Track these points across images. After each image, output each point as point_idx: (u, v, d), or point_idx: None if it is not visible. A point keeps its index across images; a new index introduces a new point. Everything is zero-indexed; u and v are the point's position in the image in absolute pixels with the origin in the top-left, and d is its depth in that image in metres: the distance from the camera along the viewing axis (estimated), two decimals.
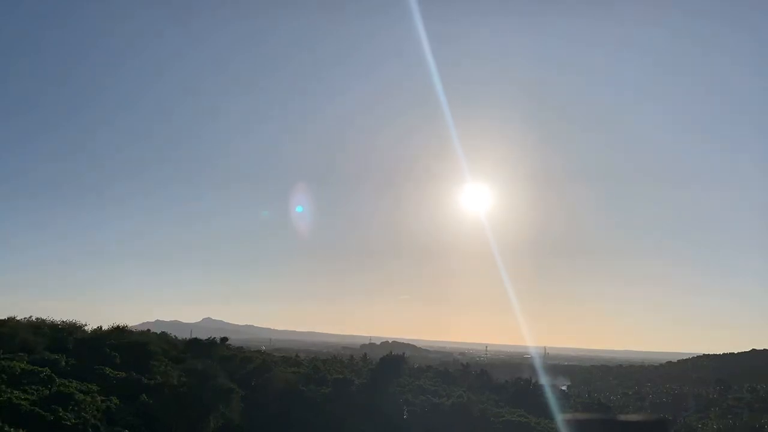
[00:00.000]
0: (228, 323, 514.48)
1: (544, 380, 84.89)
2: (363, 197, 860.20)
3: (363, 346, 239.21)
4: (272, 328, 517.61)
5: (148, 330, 77.00)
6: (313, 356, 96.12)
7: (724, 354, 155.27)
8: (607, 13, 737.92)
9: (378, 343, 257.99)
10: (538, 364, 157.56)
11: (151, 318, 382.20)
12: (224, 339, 69.53)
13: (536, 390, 71.28)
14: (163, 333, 71.51)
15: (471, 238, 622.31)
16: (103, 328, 57.93)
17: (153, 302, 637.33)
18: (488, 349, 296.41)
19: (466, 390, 67.68)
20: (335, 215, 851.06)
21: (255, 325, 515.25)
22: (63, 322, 55.52)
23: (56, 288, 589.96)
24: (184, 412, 42.24)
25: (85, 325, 57.02)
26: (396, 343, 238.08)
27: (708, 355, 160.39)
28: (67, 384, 39.37)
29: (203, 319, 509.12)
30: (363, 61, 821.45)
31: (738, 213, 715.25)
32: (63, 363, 44.40)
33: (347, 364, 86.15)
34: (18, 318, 54.12)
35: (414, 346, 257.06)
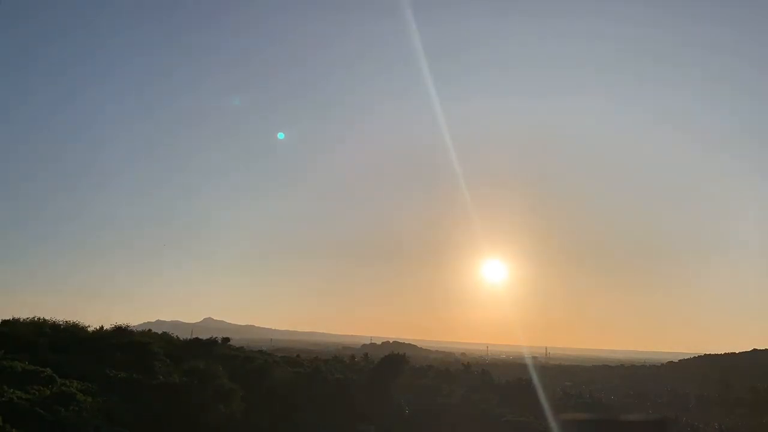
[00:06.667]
0: (229, 323, 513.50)
1: (545, 380, 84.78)
2: (364, 197, 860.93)
3: (364, 345, 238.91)
4: (273, 328, 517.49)
5: (150, 330, 77.02)
6: (314, 356, 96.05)
7: (725, 354, 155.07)
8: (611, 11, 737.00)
9: (379, 343, 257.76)
10: (539, 363, 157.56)
11: (152, 318, 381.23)
12: (226, 339, 69.63)
13: (537, 390, 71.18)
14: (164, 333, 71.49)
15: (472, 237, 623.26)
16: (104, 328, 58.02)
17: (154, 302, 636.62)
18: (489, 349, 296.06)
19: (468, 390, 67.66)
20: (336, 215, 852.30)
21: (256, 325, 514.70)
22: (65, 322, 55.51)
23: (58, 288, 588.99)
24: (185, 412, 42.28)
25: (87, 325, 57.11)
26: (397, 343, 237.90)
27: (709, 355, 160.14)
28: (69, 384, 39.42)
29: (204, 319, 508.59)
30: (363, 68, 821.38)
31: (738, 212, 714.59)
32: (64, 363, 44.43)
33: (348, 364, 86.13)
34: (19, 318, 54.21)
35: (415, 346, 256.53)
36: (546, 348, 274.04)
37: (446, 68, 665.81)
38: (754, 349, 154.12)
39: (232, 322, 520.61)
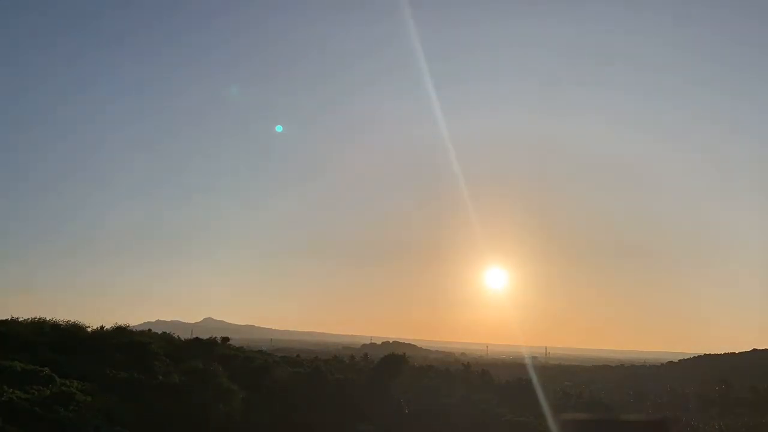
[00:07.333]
0: (229, 323, 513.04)
1: (545, 380, 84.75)
2: (364, 198, 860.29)
3: (364, 345, 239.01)
4: (273, 328, 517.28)
5: (150, 330, 77.04)
6: (314, 356, 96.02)
7: (725, 354, 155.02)
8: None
9: (379, 342, 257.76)
10: (539, 363, 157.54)
11: (152, 318, 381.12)
12: (225, 339, 69.60)
13: (537, 390, 71.19)
14: (164, 333, 71.53)
15: (472, 238, 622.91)
16: (104, 328, 57.98)
17: (154, 302, 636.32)
18: (489, 349, 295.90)
19: (468, 390, 67.60)
20: (336, 216, 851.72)
21: (256, 325, 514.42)
22: (64, 321, 55.52)
23: (58, 288, 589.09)
24: (185, 412, 42.27)
25: (87, 325, 57.09)
26: (397, 343, 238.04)
27: (709, 355, 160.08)
28: (68, 384, 39.40)
29: (204, 319, 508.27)
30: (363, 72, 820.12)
31: (738, 213, 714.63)
32: (64, 363, 44.41)
33: (348, 364, 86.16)
34: (19, 318, 54.21)
35: (415, 346, 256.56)
36: (546, 348, 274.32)
37: (446, 70, 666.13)
38: (754, 349, 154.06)
39: (232, 322, 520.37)
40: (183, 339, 70.73)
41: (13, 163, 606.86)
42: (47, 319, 54.89)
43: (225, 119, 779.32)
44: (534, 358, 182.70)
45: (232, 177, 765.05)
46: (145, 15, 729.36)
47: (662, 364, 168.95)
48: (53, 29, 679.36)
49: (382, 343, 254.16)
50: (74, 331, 54.58)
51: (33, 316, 54.79)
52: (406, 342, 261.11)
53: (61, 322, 55.00)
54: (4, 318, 53.31)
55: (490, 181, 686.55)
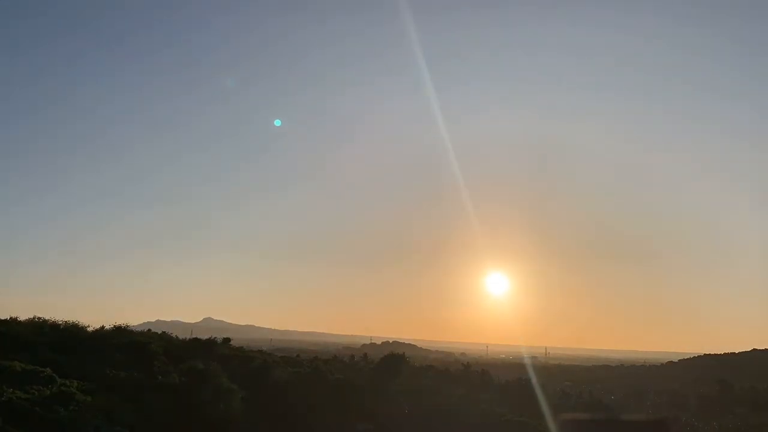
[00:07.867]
0: (229, 323, 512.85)
1: (544, 380, 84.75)
2: (365, 198, 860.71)
3: (364, 345, 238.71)
4: (273, 328, 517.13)
5: (150, 330, 77.03)
6: (313, 356, 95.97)
7: (724, 354, 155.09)
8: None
9: (379, 342, 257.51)
10: (539, 363, 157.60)
11: (152, 318, 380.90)
12: (226, 339, 69.57)
13: (537, 390, 71.25)
14: (164, 333, 71.50)
15: (472, 238, 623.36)
16: (104, 328, 57.97)
17: (154, 302, 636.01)
18: (489, 349, 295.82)
19: (468, 390, 67.66)
20: (337, 216, 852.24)
21: (256, 325, 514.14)
22: (64, 321, 55.48)
23: (57, 287, 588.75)
24: (185, 412, 42.28)
25: (87, 325, 57.07)
26: (397, 343, 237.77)
27: (709, 355, 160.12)
28: (68, 384, 39.42)
29: (204, 319, 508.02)
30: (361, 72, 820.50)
31: (738, 211, 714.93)
32: (64, 363, 44.42)
33: (348, 364, 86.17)
34: (19, 318, 54.18)
35: (415, 346, 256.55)
36: (546, 348, 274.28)
37: (446, 72, 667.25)
38: (754, 349, 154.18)
39: (232, 322, 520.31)
40: (183, 339, 70.66)
41: (13, 162, 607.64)
42: (47, 319, 54.92)
43: (225, 119, 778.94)
44: (534, 358, 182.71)
45: (233, 176, 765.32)
46: (145, 15, 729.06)
47: (662, 364, 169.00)
48: (53, 29, 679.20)
49: (382, 343, 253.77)
50: (74, 331, 54.54)
51: (33, 316, 54.86)
52: (406, 342, 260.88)
53: (61, 322, 54.97)
54: (4, 318, 53.35)
55: (491, 182, 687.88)
